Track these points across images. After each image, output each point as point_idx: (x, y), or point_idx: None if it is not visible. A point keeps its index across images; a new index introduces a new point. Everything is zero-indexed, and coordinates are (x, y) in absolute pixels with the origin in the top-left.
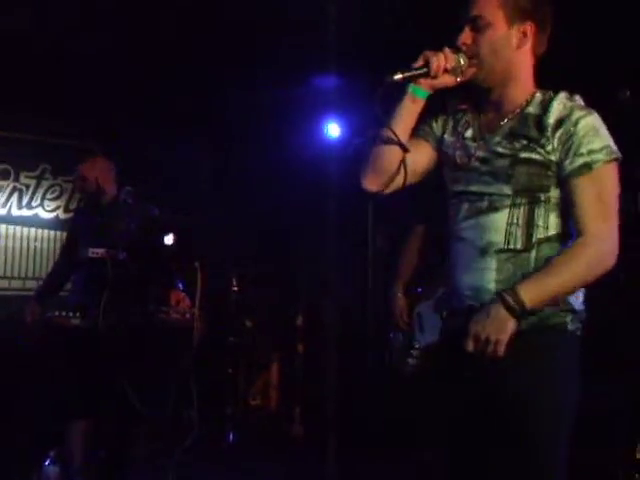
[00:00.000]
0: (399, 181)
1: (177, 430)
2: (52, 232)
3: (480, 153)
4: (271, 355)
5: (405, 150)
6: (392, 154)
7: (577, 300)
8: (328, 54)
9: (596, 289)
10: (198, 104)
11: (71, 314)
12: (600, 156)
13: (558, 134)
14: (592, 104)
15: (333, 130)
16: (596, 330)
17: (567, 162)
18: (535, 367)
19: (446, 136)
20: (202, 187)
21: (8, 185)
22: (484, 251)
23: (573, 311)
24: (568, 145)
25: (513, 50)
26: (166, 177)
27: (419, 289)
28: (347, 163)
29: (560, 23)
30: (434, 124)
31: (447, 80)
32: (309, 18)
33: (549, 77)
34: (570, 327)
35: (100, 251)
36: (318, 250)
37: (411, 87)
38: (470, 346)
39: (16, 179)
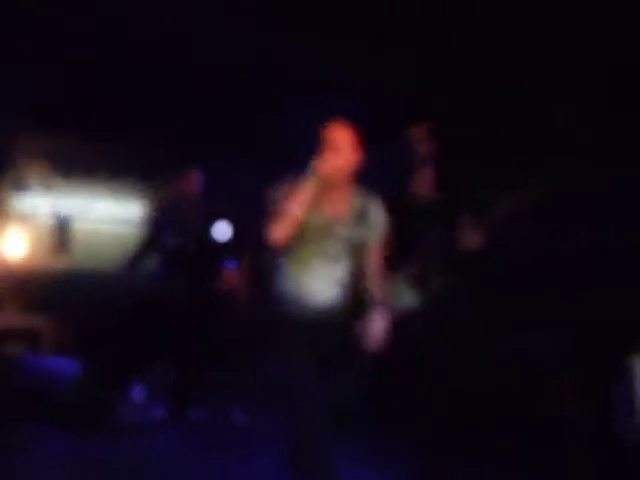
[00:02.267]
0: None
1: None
2: (136, 225)
3: None
4: None
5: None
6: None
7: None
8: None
9: None
10: (246, 125)
11: (153, 284)
12: None
13: None
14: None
15: None
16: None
17: None
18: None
19: None
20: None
21: (108, 190)
22: None
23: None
24: None
25: None
26: (224, 183)
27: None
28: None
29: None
30: None
31: None
32: None
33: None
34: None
35: (177, 240)
36: None
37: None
38: None
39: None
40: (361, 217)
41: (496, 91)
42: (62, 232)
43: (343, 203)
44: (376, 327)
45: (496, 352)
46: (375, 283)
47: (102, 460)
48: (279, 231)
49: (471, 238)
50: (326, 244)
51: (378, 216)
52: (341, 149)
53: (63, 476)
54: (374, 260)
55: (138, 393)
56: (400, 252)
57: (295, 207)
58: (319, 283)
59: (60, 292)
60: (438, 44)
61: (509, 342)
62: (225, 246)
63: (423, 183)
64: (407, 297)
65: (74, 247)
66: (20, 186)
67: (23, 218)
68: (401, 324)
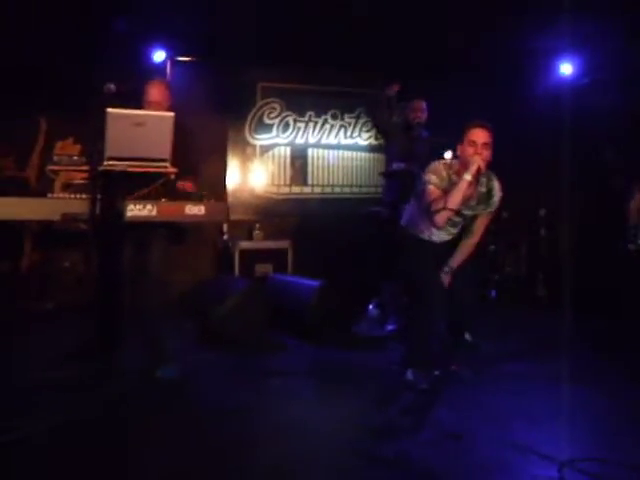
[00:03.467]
0: None
1: None
2: (367, 154)
3: None
4: (521, 237)
5: None
6: None
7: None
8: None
9: None
10: (464, 54)
11: (382, 209)
12: None
13: None
14: None
15: (566, 69)
16: None
17: None
18: None
19: None
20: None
21: (337, 123)
22: None
23: None
24: None
25: None
26: (440, 113)
27: None
28: (579, 99)
29: None
30: None
31: None
32: None
33: None
34: None
35: (402, 166)
36: (555, 167)
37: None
38: None
39: (342, 119)
40: (485, 197)
41: None
42: (300, 163)
43: (473, 190)
44: (444, 278)
45: None
46: (464, 252)
47: (342, 368)
48: (441, 220)
49: None
50: (454, 216)
51: (497, 194)
52: (485, 150)
53: (315, 380)
54: (479, 227)
55: (373, 310)
56: None
57: (455, 202)
58: (443, 235)
59: (302, 217)
60: None
61: None
62: None
63: None
64: None
65: (311, 176)
66: (261, 123)
67: (265, 152)
68: None
